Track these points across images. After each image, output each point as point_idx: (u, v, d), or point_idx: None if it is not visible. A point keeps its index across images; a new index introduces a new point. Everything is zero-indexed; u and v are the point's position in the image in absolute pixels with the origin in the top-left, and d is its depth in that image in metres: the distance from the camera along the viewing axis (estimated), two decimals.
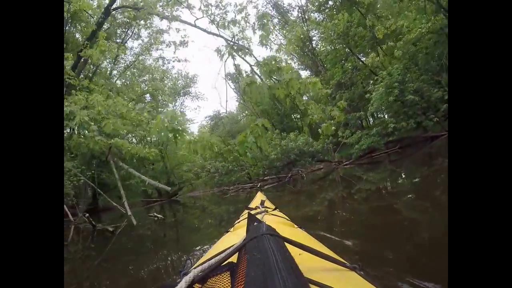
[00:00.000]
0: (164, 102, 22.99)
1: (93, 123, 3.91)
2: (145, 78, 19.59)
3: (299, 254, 0.50)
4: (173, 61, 17.22)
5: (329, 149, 15.35)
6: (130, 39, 15.27)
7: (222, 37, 4.92)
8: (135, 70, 17.29)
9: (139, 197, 18.28)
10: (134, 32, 14.79)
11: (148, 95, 19.24)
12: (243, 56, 4.24)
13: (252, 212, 1.25)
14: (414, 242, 1.90)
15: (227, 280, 0.41)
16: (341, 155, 14.98)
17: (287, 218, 1.31)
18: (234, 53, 4.23)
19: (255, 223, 0.66)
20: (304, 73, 24.33)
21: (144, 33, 14.81)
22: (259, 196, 2.27)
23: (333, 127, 3.85)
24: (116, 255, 3.58)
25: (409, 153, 9.58)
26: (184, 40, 9.22)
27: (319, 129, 3.91)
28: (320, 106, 4.14)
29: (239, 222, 1.28)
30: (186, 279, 0.40)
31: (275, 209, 1.54)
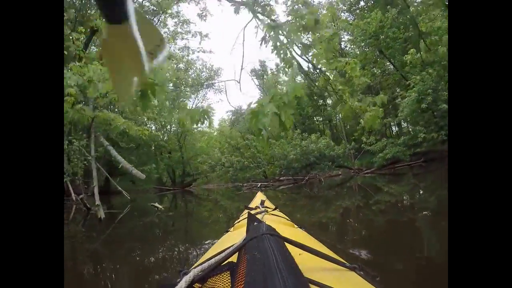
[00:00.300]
0: (187, 93, 22.92)
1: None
2: (168, 67, 19.27)
3: (299, 254, 0.50)
4: (198, 51, 17.44)
5: (350, 155, 14.75)
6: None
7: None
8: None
9: (153, 184, 18.35)
10: (161, 20, 14.78)
11: (171, 84, 19.10)
12: (265, 15, 3.07)
13: (252, 212, 1.25)
14: (428, 262, 1.83)
15: (227, 280, 0.41)
16: (361, 163, 14.46)
17: (287, 218, 1.31)
18: (256, 9, 2.99)
19: (255, 223, 0.66)
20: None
21: (170, 21, 15.16)
22: (259, 196, 2.27)
23: (379, 118, 3.15)
24: (109, 242, 3.55)
25: (433, 168, 9.21)
26: (203, 13, 9.57)
27: (360, 120, 3.27)
28: (357, 94, 3.39)
29: (239, 222, 1.28)
30: (186, 279, 0.40)
31: (275, 209, 1.54)
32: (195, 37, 16.08)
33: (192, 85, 22.94)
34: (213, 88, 24.56)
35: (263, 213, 1.22)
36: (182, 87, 20.34)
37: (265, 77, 27.24)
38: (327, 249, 0.79)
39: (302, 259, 0.47)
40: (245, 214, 1.44)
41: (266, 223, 0.62)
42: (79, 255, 2.97)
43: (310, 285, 0.37)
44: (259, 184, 11.96)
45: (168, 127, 22.54)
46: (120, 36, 0.38)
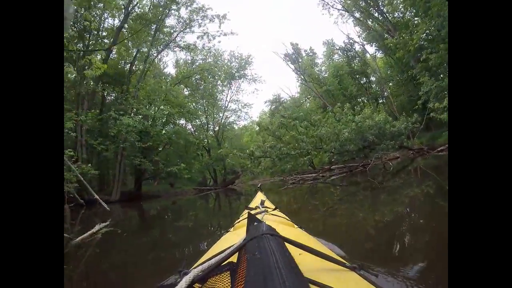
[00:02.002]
0: (219, 86, 22.15)
1: None
2: (189, 58, 18.53)
3: (299, 254, 0.50)
4: (219, 36, 15.81)
5: (409, 133, 11.76)
6: (170, 17, 14.47)
7: None
8: (177, 49, 16.26)
9: (193, 185, 17.66)
10: (172, 9, 14.21)
11: (197, 76, 18.16)
12: None
13: (252, 212, 1.26)
14: None
15: (227, 280, 0.41)
16: (421, 141, 12.61)
17: (287, 218, 1.32)
18: None
19: (255, 223, 0.66)
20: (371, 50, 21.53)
21: (184, 11, 14.49)
22: (259, 196, 2.27)
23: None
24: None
25: None
26: None
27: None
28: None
29: (239, 222, 1.28)
30: (186, 279, 0.40)
31: (275, 209, 1.54)
32: (213, 21, 15.13)
33: (225, 78, 21.90)
34: (246, 78, 23.13)
35: (263, 213, 1.22)
36: (210, 78, 19.26)
37: (300, 60, 25.60)
38: (327, 249, 0.79)
39: (302, 259, 0.47)
40: (245, 214, 1.44)
41: (266, 223, 0.62)
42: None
43: (310, 285, 0.37)
44: (259, 184, 10.89)
45: (203, 121, 21.46)
46: None
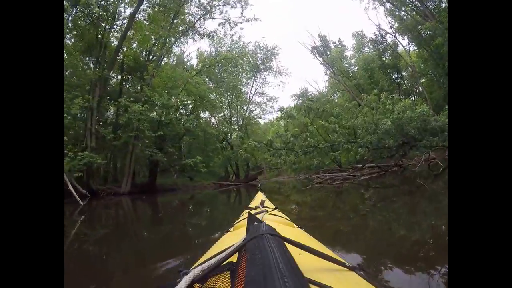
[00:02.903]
0: (243, 79, 21.20)
1: None
2: (213, 50, 17.84)
3: (299, 254, 0.50)
4: (241, 22, 14.80)
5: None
6: (189, 2, 13.72)
7: None
8: (197, 37, 15.34)
9: (213, 179, 16.81)
10: None
11: (220, 68, 17.32)
12: None
13: (252, 212, 1.26)
14: None
15: (227, 280, 0.41)
16: None
17: (287, 218, 1.32)
18: None
19: (255, 223, 0.66)
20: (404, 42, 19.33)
21: None
22: (259, 196, 2.27)
23: None
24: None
25: None
26: None
27: None
28: None
29: (239, 222, 1.28)
30: (186, 279, 0.40)
31: (275, 209, 1.54)
32: (235, 7, 14.27)
33: (250, 70, 21.00)
34: (272, 70, 21.94)
35: (263, 213, 1.22)
36: (232, 68, 18.44)
37: (328, 52, 24.32)
38: (327, 249, 0.79)
39: (302, 259, 0.47)
40: (245, 214, 1.44)
41: (266, 223, 0.62)
42: None
43: (310, 285, 0.37)
44: (259, 184, 9.35)
45: (226, 114, 20.47)
46: None
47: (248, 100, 21.73)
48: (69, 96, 9.24)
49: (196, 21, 14.21)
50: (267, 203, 1.86)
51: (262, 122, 24.45)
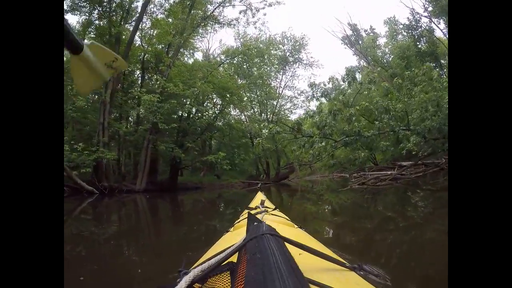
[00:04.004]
0: (271, 73, 19.81)
1: None
2: (239, 44, 16.70)
3: (299, 254, 0.50)
4: (263, 8, 13.72)
5: None
6: None
7: None
8: (217, 27, 14.51)
9: (242, 177, 15.87)
10: None
11: (246, 59, 16.23)
12: None
13: (252, 212, 1.26)
14: None
15: (227, 280, 0.41)
16: None
17: (287, 218, 1.32)
18: None
19: (255, 223, 0.66)
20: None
21: None
22: (259, 196, 2.27)
23: None
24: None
25: None
26: None
27: None
28: None
29: (239, 222, 1.28)
30: (186, 279, 0.40)
31: (275, 209, 1.54)
32: None
33: (279, 63, 19.75)
34: (301, 63, 20.46)
35: (263, 213, 1.22)
36: (257, 59, 17.25)
37: (360, 42, 22.88)
38: (327, 249, 0.80)
39: (302, 259, 0.47)
40: (245, 214, 1.44)
41: (266, 223, 0.62)
42: None
43: (310, 285, 0.37)
44: (259, 184, 8.57)
45: (255, 110, 19.23)
46: (81, 61, 0.68)
47: (278, 94, 20.27)
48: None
49: (215, 8, 13.39)
50: (267, 203, 1.86)
51: (293, 118, 23.45)
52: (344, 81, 10.18)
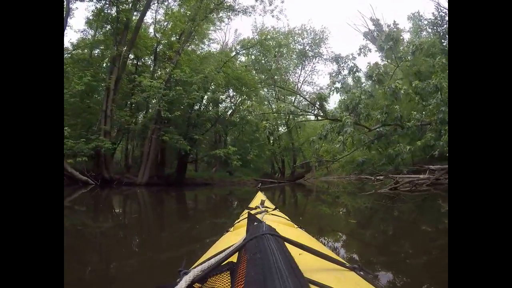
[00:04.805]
0: (290, 66, 19.01)
1: None
2: (257, 37, 15.77)
3: (299, 254, 0.50)
4: None
5: None
6: None
7: None
8: (231, 15, 14.01)
9: (255, 175, 15.25)
10: None
11: (257, 48, 15.46)
12: None
13: (252, 212, 1.26)
14: None
15: (227, 280, 0.41)
16: None
17: (287, 218, 1.32)
18: None
19: (255, 223, 0.66)
20: None
21: None
22: (259, 196, 2.27)
23: None
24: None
25: None
26: None
27: None
28: None
29: (239, 222, 1.28)
30: (186, 279, 0.40)
31: (275, 209, 1.54)
32: None
33: (298, 57, 19.05)
34: (321, 58, 19.55)
35: (263, 213, 1.22)
36: (275, 49, 16.19)
37: (382, 38, 23.12)
38: (327, 249, 0.80)
39: (302, 259, 0.47)
40: (245, 214, 1.44)
41: (266, 223, 0.62)
42: None
43: (310, 285, 0.37)
44: (259, 184, 7.75)
45: (273, 107, 17.87)
46: None
47: (296, 89, 19.04)
48: (76, 72, 8.55)
49: None
50: (267, 203, 1.86)
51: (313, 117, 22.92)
52: (368, 77, 8.46)
